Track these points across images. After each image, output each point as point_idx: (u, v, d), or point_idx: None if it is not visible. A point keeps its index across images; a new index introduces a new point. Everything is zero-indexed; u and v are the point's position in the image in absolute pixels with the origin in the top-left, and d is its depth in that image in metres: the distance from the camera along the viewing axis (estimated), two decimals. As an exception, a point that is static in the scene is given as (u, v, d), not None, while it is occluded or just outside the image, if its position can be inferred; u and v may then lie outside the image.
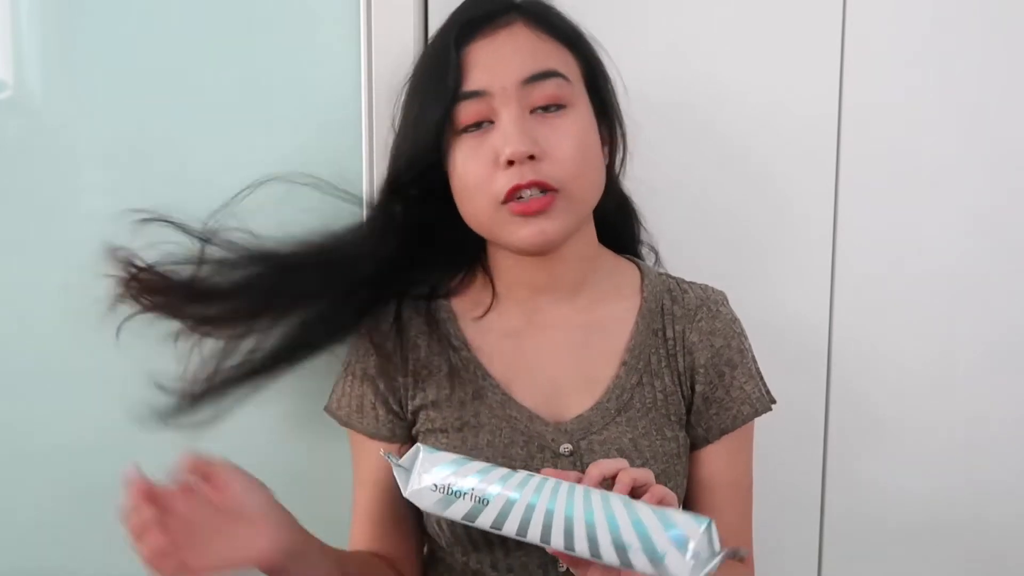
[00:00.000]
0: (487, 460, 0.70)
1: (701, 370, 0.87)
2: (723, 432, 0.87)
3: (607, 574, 0.67)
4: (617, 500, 0.65)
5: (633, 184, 0.97)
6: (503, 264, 0.88)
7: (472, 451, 0.83)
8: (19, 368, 1.01)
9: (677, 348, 0.87)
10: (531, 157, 0.78)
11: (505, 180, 0.78)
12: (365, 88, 1.00)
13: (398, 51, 0.97)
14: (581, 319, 0.87)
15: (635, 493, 0.68)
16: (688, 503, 0.90)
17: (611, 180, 0.89)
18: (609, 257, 0.92)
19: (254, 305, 0.87)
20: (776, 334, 1.05)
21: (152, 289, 0.88)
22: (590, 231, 0.88)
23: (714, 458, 0.88)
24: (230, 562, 0.72)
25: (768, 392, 0.90)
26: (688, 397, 0.87)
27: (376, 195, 0.90)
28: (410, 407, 0.87)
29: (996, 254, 1.07)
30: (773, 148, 1.06)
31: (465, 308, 0.89)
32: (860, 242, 1.07)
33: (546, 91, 0.80)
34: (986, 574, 1.12)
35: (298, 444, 1.02)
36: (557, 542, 0.65)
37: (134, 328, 0.90)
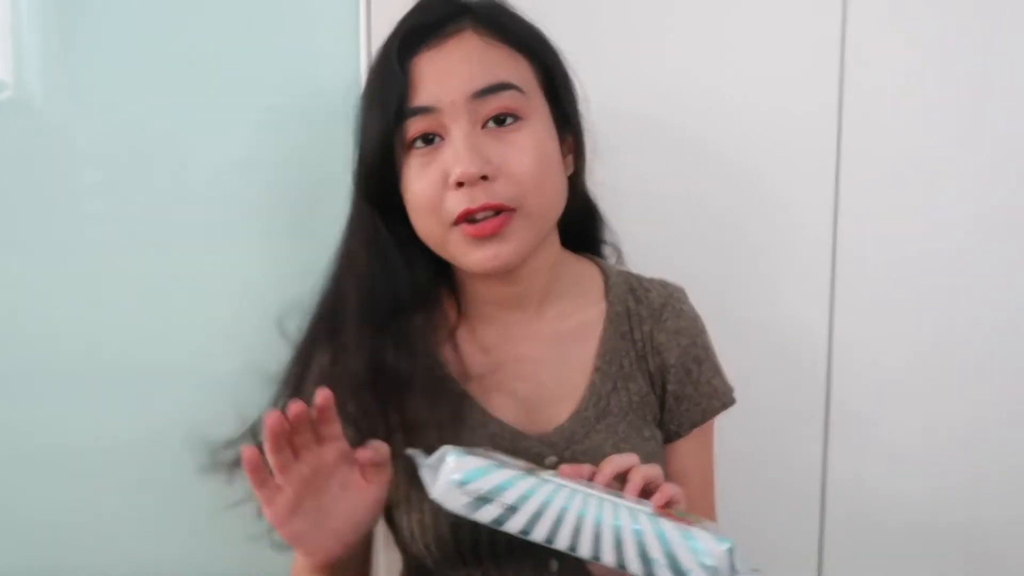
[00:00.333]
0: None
1: (672, 369, 0.87)
2: (693, 426, 0.88)
3: None
4: (644, 516, 0.67)
5: (633, 184, 0.97)
6: (468, 282, 0.85)
7: None
8: (19, 368, 1.01)
9: (646, 349, 0.87)
10: (484, 177, 0.74)
11: (455, 202, 0.75)
12: (365, 88, 1.00)
13: (398, 51, 0.97)
14: (551, 329, 0.86)
15: (646, 491, 0.69)
16: None
17: (576, 186, 0.85)
18: (571, 261, 0.89)
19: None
20: (776, 335, 1.06)
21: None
22: (553, 240, 0.85)
23: (685, 451, 0.89)
24: (352, 523, 0.72)
25: (730, 384, 0.91)
26: (660, 396, 0.87)
27: (349, 220, 0.84)
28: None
29: (996, 255, 1.07)
30: (773, 148, 1.06)
31: (438, 326, 0.85)
32: (860, 243, 1.07)
33: (498, 104, 0.76)
34: (986, 574, 1.12)
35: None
36: (584, 550, 0.67)
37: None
